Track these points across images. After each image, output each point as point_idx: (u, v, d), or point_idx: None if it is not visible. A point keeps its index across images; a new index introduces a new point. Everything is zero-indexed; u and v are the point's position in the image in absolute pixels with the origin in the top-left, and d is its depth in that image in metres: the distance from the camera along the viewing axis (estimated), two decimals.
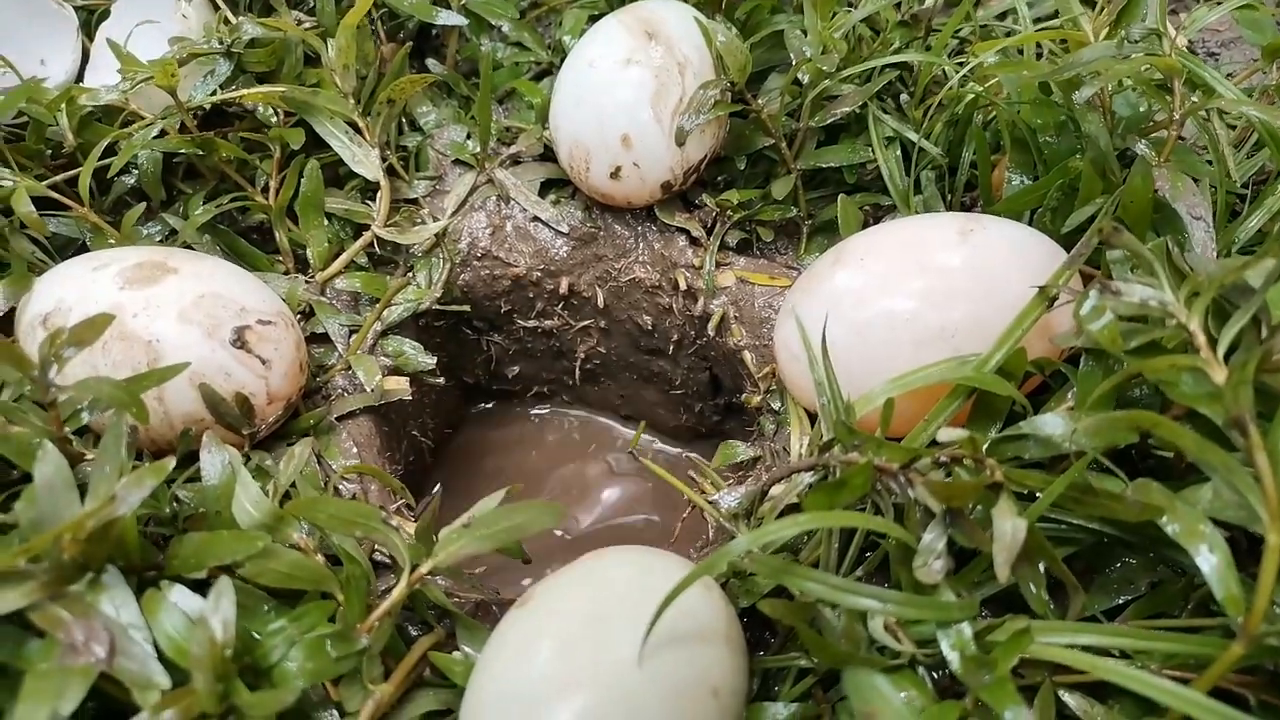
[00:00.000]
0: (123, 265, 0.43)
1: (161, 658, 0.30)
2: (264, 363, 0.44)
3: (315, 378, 0.50)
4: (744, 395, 0.52)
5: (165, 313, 0.42)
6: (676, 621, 0.31)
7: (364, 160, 0.54)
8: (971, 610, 0.29)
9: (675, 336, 0.58)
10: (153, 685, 0.29)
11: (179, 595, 0.31)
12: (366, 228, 0.54)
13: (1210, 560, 0.27)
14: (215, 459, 0.39)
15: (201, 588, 0.32)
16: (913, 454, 0.31)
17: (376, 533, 0.35)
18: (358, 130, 0.55)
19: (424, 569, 0.34)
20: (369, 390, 0.49)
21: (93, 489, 0.32)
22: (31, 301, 0.43)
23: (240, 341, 0.43)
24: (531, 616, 0.33)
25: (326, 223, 0.54)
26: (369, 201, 0.56)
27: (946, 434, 0.31)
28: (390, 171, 0.56)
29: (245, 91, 0.53)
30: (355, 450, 0.48)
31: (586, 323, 0.60)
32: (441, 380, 0.53)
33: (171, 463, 0.32)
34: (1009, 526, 0.28)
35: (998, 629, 0.29)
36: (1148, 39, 0.43)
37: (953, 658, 0.28)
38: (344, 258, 0.53)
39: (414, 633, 0.39)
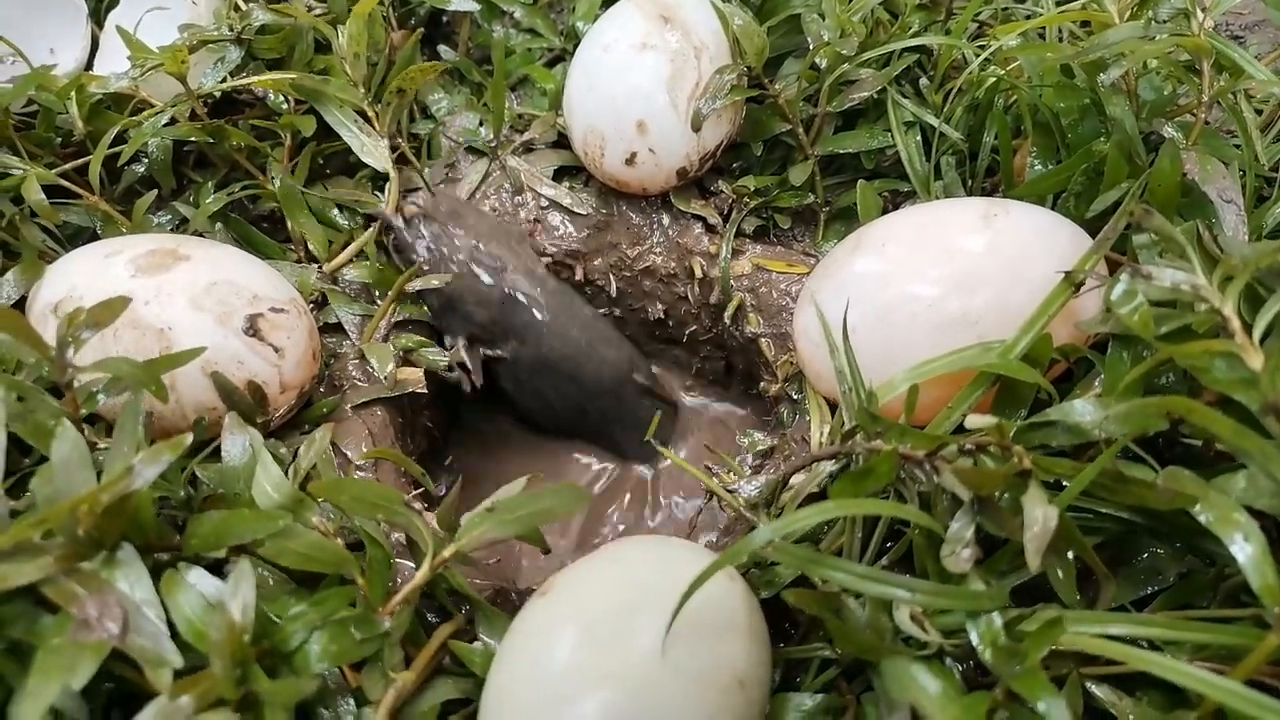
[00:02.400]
0: (134, 253, 0.43)
1: (179, 640, 0.29)
2: (277, 351, 0.43)
3: (328, 367, 0.49)
4: (762, 384, 0.51)
5: (177, 300, 0.41)
6: (702, 611, 0.30)
7: (373, 150, 0.54)
8: (1001, 600, 0.28)
9: (691, 325, 0.57)
10: (165, 662, 0.28)
11: (197, 577, 0.30)
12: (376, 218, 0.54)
13: (1246, 550, 0.26)
14: (237, 440, 0.39)
15: (220, 567, 0.32)
16: (939, 441, 0.31)
17: (399, 516, 0.34)
18: (367, 119, 0.54)
19: (446, 553, 0.34)
20: (383, 379, 0.48)
21: (109, 464, 0.32)
22: (42, 289, 0.43)
23: (253, 329, 0.43)
24: (554, 606, 0.33)
25: (336, 212, 0.54)
26: (379, 193, 0.55)
27: (974, 420, 0.30)
28: (402, 159, 0.56)
29: (255, 79, 0.53)
30: (370, 439, 0.47)
31: (601, 311, 0.60)
32: (455, 375, 0.53)
33: (189, 438, 0.31)
34: (1040, 515, 0.27)
35: (1028, 619, 0.28)
36: (1175, 20, 0.42)
37: (983, 648, 0.28)
38: (352, 248, 0.53)
39: (432, 619, 0.39)
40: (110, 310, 0.34)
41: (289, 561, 0.33)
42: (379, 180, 0.56)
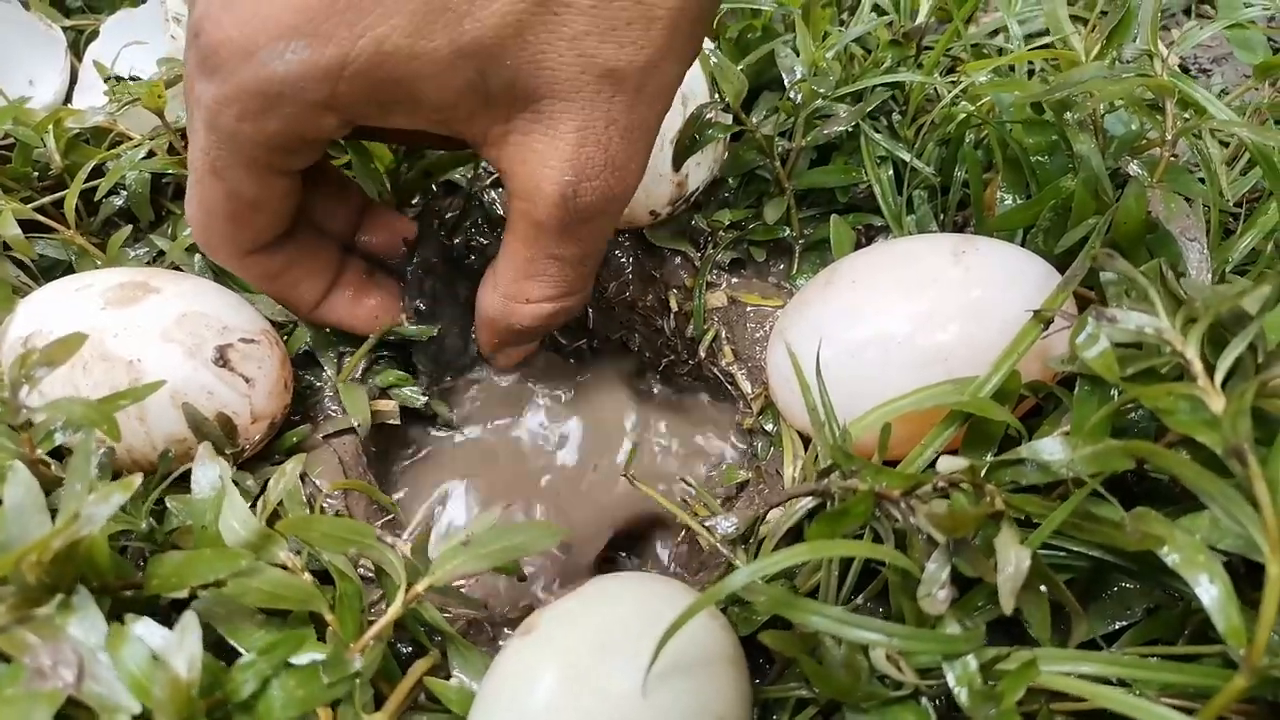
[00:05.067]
0: (105, 286, 0.43)
1: None
2: (247, 381, 0.43)
3: (302, 397, 0.49)
4: (737, 417, 0.51)
5: (147, 332, 0.41)
6: (684, 651, 0.30)
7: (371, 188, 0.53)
8: (978, 641, 0.28)
9: (668, 357, 0.57)
10: (122, 709, 0.28)
11: (144, 629, 0.30)
12: None
13: (1211, 591, 0.27)
14: (208, 471, 0.38)
15: (184, 607, 0.32)
16: (914, 481, 0.31)
17: (370, 550, 0.34)
18: None
19: (420, 587, 0.33)
20: (355, 425, 0.48)
21: (61, 508, 0.31)
22: (13, 324, 0.42)
23: (223, 360, 0.42)
24: (535, 646, 0.33)
25: None
26: None
27: (946, 464, 0.30)
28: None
29: None
30: (341, 468, 0.47)
31: (578, 343, 0.60)
32: (435, 414, 0.53)
33: (138, 479, 0.31)
34: (1013, 557, 0.28)
35: (1004, 659, 0.29)
36: (1139, 59, 0.43)
37: (959, 691, 0.28)
38: None
39: (404, 651, 0.39)
40: (66, 348, 0.34)
41: (254, 600, 0.32)
42: None
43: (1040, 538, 0.30)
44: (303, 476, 0.45)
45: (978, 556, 0.28)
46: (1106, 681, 0.29)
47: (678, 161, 0.48)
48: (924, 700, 0.29)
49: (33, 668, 0.27)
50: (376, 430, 0.51)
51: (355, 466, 0.48)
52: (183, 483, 0.39)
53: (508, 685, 0.31)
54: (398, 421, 0.49)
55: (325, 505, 0.45)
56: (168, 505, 0.39)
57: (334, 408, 0.49)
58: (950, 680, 0.28)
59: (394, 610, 0.33)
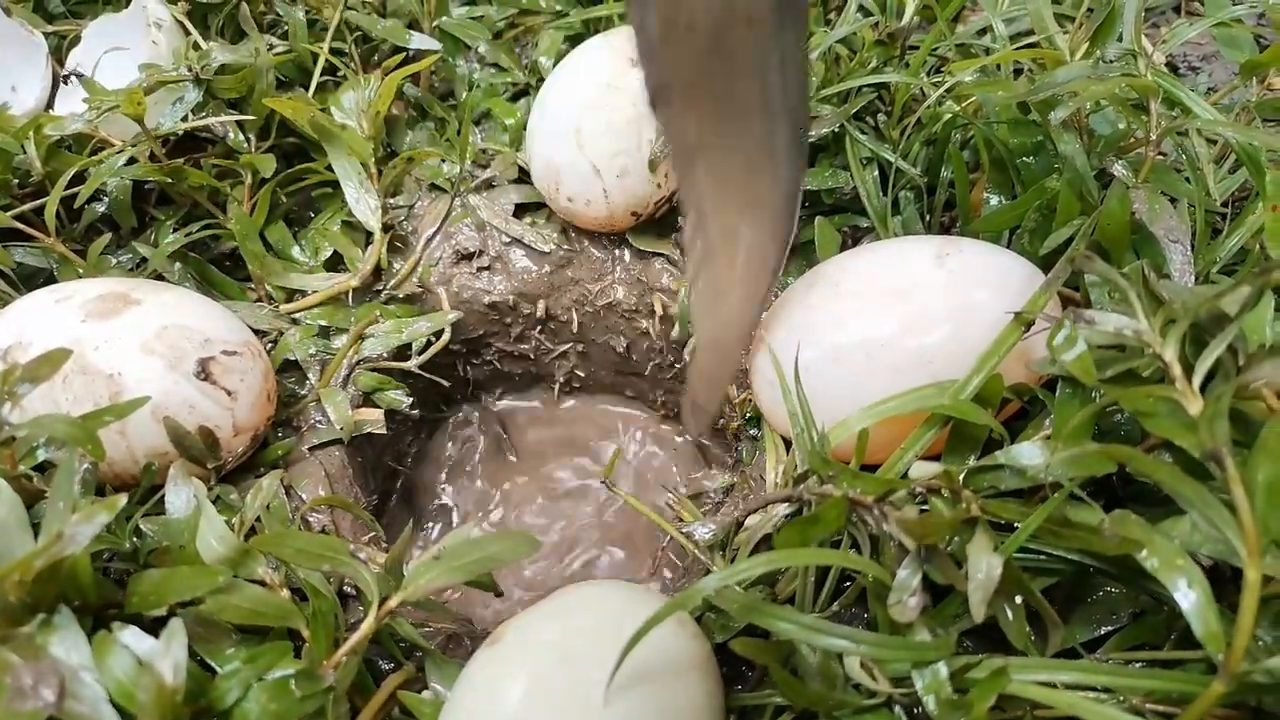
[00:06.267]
0: (86, 297, 0.42)
1: (113, 702, 0.29)
2: (229, 394, 0.43)
3: (289, 407, 0.49)
4: (722, 421, 0.51)
5: (127, 345, 0.41)
6: (649, 659, 0.30)
7: (367, 210, 0.53)
8: (947, 649, 0.28)
9: (653, 359, 0.57)
10: None
11: (130, 637, 0.30)
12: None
13: (1189, 597, 0.26)
14: (181, 491, 0.38)
15: (163, 625, 0.31)
16: (888, 486, 0.30)
17: (344, 566, 0.34)
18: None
19: (393, 602, 0.33)
20: (338, 429, 0.47)
21: (44, 527, 0.31)
22: None
23: (204, 373, 0.42)
24: (502, 655, 0.32)
25: (297, 250, 0.53)
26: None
27: (920, 470, 0.30)
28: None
29: (274, 101, 0.52)
30: (327, 481, 0.47)
31: (564, 346, 0.59)
32: (418, 413, 0.52)
33: (123, 499, 0.31)
34: (985, 564, 0.27)
35: (975, 668, 0.28)
36: (1124, 58, 0.42)
37: (928, 700, 0.28)
38: (317, 297, 0.52)
39: (384, 667, 0.38)
40: (49, 364, 0.33)
41: (232, 617, 0.32)
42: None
43: (1015, 544, 0.29)
44: (288, 490, 0.45)
45: (948, 563, 0.28)
46: (1090, 689, 0.29)
47: (655, 164, 0.48)
48: (897, 708, 0.29)
49: (13, 687, 0.27)
50: (366, 439, 0.51)
51: (341, 479, 0.48)
52: (161, 502, 0.39)
53: (475, 695, 0.31)
54: (382, 429, 0.49)
55: (310, 519, 0.45)
56: (141, 529, 0.39)
57: (319, 418, 0.49)
58: (919, 688, 0.28)
59: (367, 625, 0.33)
